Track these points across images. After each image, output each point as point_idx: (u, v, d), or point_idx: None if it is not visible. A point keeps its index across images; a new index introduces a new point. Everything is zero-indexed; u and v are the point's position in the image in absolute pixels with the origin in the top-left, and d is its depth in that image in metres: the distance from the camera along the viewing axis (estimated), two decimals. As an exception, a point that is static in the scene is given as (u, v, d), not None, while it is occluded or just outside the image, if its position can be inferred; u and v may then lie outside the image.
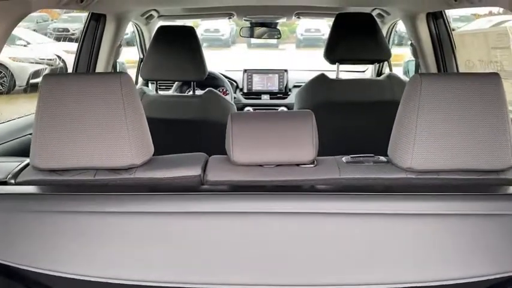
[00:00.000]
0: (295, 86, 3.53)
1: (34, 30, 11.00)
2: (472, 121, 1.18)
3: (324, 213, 1.13)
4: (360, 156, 1.31)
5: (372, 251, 1.10)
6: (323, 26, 15.26)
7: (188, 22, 4.54)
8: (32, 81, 8.14)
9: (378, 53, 2.30)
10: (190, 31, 2.23)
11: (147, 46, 3.01)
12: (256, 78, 3.60)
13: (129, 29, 3.01)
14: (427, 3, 2.36)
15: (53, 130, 1.19)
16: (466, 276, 1.08)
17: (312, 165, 1.28)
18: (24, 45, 9.12)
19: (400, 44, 4.95)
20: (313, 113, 1.28)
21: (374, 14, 2.84)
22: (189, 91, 3.29)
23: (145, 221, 1.13)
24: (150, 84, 3.04)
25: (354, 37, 2.25)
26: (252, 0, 2.61)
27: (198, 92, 2.36)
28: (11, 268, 1.12)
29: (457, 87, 1.18)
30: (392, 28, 3.27)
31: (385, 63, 3.25)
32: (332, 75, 2.38)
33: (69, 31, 11.29)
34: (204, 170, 1.28)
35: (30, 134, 1.29)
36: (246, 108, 3.51)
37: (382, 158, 1.31)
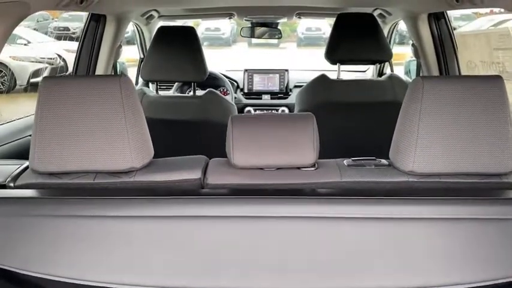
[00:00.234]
0: (296, 86, 3.52)
1: (35, 29, 11.01)
2: (474, 124, 1.18)
3: (325, 218, 1.12)
4: (361, 159, 1.30)
5: (374, 255, 1.09)
6: (324, 25, 15.26)
7: (189, 22, 4.53)
8: (32, 80, 8.15)
9: (379, 54, 2.29)
10: (190, 31, 2.22)
11: (148, 46, 3.01)
12: (256, 78, 3.59)
13: (130, 27, 3.00)
14: (428, 3, 2.35)
15: (52, 133, 1.19)
16: (468, 281, 1.07)
17: (313, 169, 1.27)
18: (25, 44, 9.13)
19: (401, 43, 4.94)
20: (314, 115, 1.27)
21: (375, 14, 2.83)
22: (190, 91, 3.28)
23: (145, 225, 1.13)
24: (150, 85, 3.03)
25: (355, 37, 2.25)
26: (252, 1, 2.60)
27: (199, 93, 2.35)
28: (10, 273, 1.12)
29: (459, 90, 1.18)
30: (394, 28, 3.26)
31: (386, 63, 3.24)
32: (333, 75, 2.37)
33: (69, 30, 11.30)
34: (204, 173, 1.28)
35: (30, 135, 1.28)
36: (247, 109, 3.50)
37: (384, 161, 1.30)
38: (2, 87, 8.34)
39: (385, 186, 1.23)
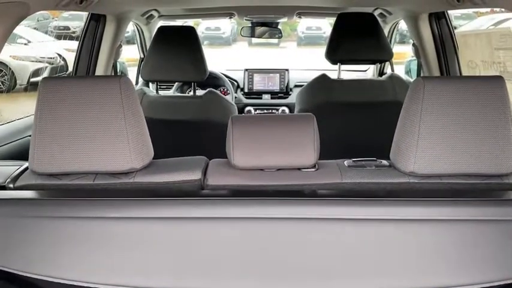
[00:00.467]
0: (296, 86, 3.51)
1: (35, 28, 11.00)
2: (475, 125, 1.17)
3: (326, 219, 1.12)
4: (362, 160, 1.30)
5: (374, 257, 1.09)
6: (324, 24, 15.26)
7: (189, 21, 4.53)
8: (32, 79, 8.14)
9: (380, 53, 2.29)
10: (190, 31, 2.22)
11: (148, 46, 3.00)
12: (257, 77, 3.59)
13: (130, 27, 3.00)
14: (429, 3, 2.35)
15: (52, 134, 1.18)
16: (468, 283, 1.06)
17: (314, 169, 1.27)
18: (25, 44, 9.13)
19: (402, 42, 4.94)
20: (314, 116, 1.27)
21: (376, 13, 2.82)
22: (190, 91, 3.27)
23: (145, 226, 1.12)
24: (150, 84, 3.03)
25: (355, 37, 2.24)
26: (253, 0, 2.60)
27: (199, 92, 2.35)
28: (10, 274, 1.11)
29: (460, 90, 1.17)
30: (394, 28, 3.25)
31: (387, 63, 3.24)
32: (333, 75, 2.36)
33: (69, 29, 11.30)
34: (205, 174, 1.27)
35: (29, 136, 1.28)
36: (247, 108, 3.50)
37: (385, 162, 1.30)
38: (2, 86, 8.33)
39: (386, 187, 1.23)
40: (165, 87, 3.38)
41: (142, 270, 1.09)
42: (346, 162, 1.30)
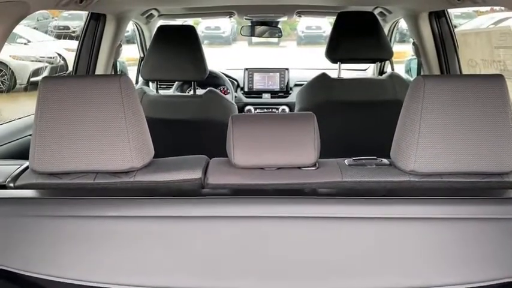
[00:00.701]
0: (296, 85, 3.51)
1: (35, 28, 11.00)
2: (475, 123, 1.17)
3: (326, 217, 1.12)
4: (362, 159, 1.30)
5: (375, 256, 1.09)
6: (324, 23, 15.26)
7: (189, 21, 4.52)
8: (32, 79, 8.14)
9: (380, 52, 2.29)
10: (190, 30, 2.22)
11: (148, 45, 3.00)
12: (257, 77, 3.59)
13: (130, 26, 3.00)
14: (429, 2, 2.35)
15: (52, 133, 1.18)
16: (469, 281, 1.07)
17: (314, 168, 1.27)
18: (25, 43, 9.12)
19: (402, 41, 4.94)
20: (314, 115, 1.27)
21: (376, 12, 2.83)
22: (190, 90, 3.27)
23: (145, 225, 1.12)
24: (150, 84, 3.03)
25: (355, 36, 2.24)
26: (253, 0, 2.60)
27: (199, 92, 2.35)
28: (10, 273, 1.12)
29: (460, 89, 1.17)
30: (394, 27, 3.25)
31: (387, 61, 3.24)
32: (333, 74, 2.36)
33: (69, 29, 11.29)
34: (205, 173, 1.27)
35: (30, 135, 1.28)
36: (247, 108, 3.50)
37: (385, 161, 1.30)
38: (2, 86, 8.33)
39: (386, 185, 1.23)
40: (165, 86, 3.38)
41: (142, 268, 1.09)
42: (346, 161, 1.30)
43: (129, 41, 3.95)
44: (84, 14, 2.61)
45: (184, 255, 1.10)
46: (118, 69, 2.88)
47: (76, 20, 11.02)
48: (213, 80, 3.34)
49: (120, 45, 2.71)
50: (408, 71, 3.46)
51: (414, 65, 3.13)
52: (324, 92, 2.27)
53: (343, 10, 2.72)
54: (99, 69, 2.55)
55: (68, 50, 8.71)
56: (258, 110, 3.49)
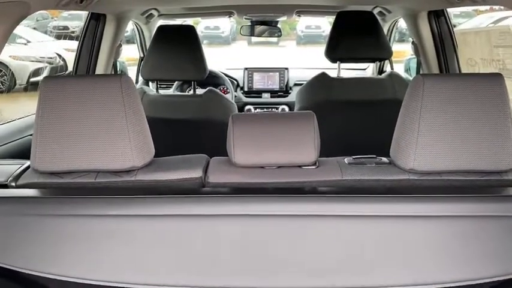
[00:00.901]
0: (296, 84, 3.52)
1: (34, 28, 11.01)
2: (474, 122, 1.18)
3: (326, 216, 1.13)
4: (362, 157, 1.31)
5: (374, 253, 1.10)
6: (323, 23, 15.26)
7: (188, 20, 4.52)
8: (32, 79, 8.14)
9: (379, 52, 2.29)
10: (190, 30, 2.22)
11: (148, 45, 3.01)
12: (256, 76, 3.59)
13: (129, 26, 3.00)
14: (428, 1, 2.35)
15: (54, 133, 1.19)
16: (468, 278, 1.07)
17: (314, 167, 1.27)
18: (25, 44, 9.12)
19: (401, 41, 4.94)
20: (314, 114, 1.28)
21: (375, 12, 2.83)
22: (190, 90, 3.28)
23: (146, 224, 1.13)
24: (150, 84, 3.03)
25: (355, 35, 2.25)
26: (252, -1, 2.60)
27: (199, 91, 2.36)
28: (12, 272, 1.12)
29: (459, 88, 1.18)
30: (394, 26, 3.26)
31: (387, 61, 3.24)
32: (333, 73, 2.37)
33: (69, 29, 11.30)
34: (206, 171, 1.28)
35: (30, 135, 1.28)
36: (247, 107, 3.50)
37: (384, 159, 1.31)
38: (1, 86, 8.33)
39: (386, 184, 1.23)
40: (164, 86, 3.39)
41: (143, 267, 1.10)
42: (346, 160, 1.31)
43: (129, 41, 3.96)
44: (84, 14, 2.61)
45: (185, 253, 1.10)
46: (118, 69, 2.89)
47: (75, 20, 11.02)
48: (213, 80, 3.34)
49: (120, 45, 2.72)
50: (407, 70, 3.46)
51: (413, 65, 3.13)
52: (324, 91, 2.28)
53: (342, 9, 2.72)
54: (99, 69, 2.55)
55: (67, 50, 8.71)
56: (257, 110, 3.49)
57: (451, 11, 2.67)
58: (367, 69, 3.87)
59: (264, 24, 3.33)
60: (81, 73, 2.52)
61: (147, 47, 2.59)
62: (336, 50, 2.29)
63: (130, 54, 3.59)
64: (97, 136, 1.19)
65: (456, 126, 1.17)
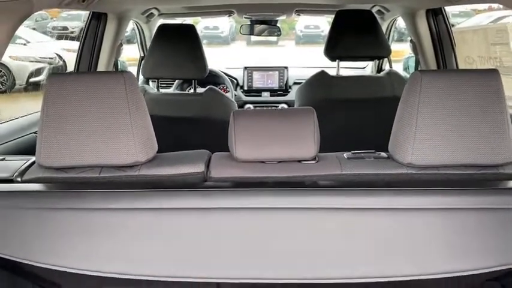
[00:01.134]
0: (295, 83, 3.54)
1: (33, 28, 11.00)
2: (471, 117, 1.20)
3: (326, 209, 1.15)
4: (361, 152, 1.33)
5: (373, 246, 1.12)
6: (322, 23, 15.26)
7: (188, 20, 4.54)
8: (31, 80, 8.15)
9: (378, 50, 2.31)
10: (190, 29, 2.24)
11: (148, 44, 3.02)
12: (256, 75, 3.61)
13: (129, 26, 3.02)
14: (426, 0, 2.37)
15: (59, 129, 1.21)
16: (466, 269, 1.09)
17: (314, 162, 1.29)
18: (24, 44, 9.12)
19: (399, 40, 4.96)
20: (314, 109, 1.30)
21: (374, 11, 2.85)
22: (190, 89, 3.30)
23: (150, 217, 1.15)
24: (150, 82, 3.05)
25: (354, 34, 2.26)
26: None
27: (199, 90, 2.37)
28: (19, 264, 1.14)
29: (456, 83, 1.20)
30: (392, 25, 3.28)
31: (385, 59, 3.26)
32: (332, 72, 2.39)
33: (68, 29, 11.30)
34: (208, 166, 1.30)
35: (35, 132, 1.30)
36: (247, 106, 3.52)
37: (383, 154, 1.32)
38: (1, 87, 8.33)
39: (385, 178, 1.25)
40: (165, 85, 3.40)
41: (147, 260, 1.12)
42: (345, 155, 1.33)
43: (129, 41, 3.97)
44: (84, 14, 2.62)
45: (187, 246, 1.12)
46: (119, 68, 2.90)
47: (75, 20, 11.03)
48: (213, 79, 3.36)
49: (121, 45, 2.73)
50: (406, 68, 3.48)
51: (412, 63, 3.15)
52: (323, 90, 2.29)
53: (341, 8, 2.74)
54: (101, 68, 2.56)
55: (67, 51, 8.71)
56: (257, 109, 3.51)
57: (450, 10, 2.69)
58: (366, 68, 3.89)
59: (263, 24, 3.35)
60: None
61: (148, 46, 2.60)
62: (335, 48, 2.31)
63: (130, 54, 3.61)
64: (101, 132, 1.20)
65: (453, 120, 1.19)
